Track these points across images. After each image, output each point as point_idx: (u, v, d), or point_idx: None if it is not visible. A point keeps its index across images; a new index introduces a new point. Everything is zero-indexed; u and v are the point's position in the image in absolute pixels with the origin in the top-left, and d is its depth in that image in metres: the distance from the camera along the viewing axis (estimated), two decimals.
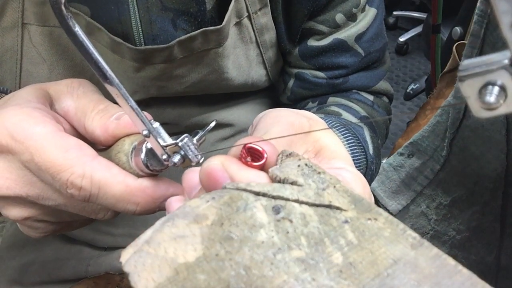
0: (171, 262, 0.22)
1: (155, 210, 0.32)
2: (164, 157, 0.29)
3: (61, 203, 0.31)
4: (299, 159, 0.28)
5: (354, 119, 0.55)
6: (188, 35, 0.49)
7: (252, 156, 0.27)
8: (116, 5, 0.48)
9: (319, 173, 0.27)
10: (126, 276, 0.22)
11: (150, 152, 0.30)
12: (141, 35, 0.50)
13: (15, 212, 0.33)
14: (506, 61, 0.17)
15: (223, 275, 0.22)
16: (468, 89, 0.18)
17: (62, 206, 0.31)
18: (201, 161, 0.29)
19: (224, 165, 0.27)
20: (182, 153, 0.29)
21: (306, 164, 0.27)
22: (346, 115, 0.56)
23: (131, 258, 0.23)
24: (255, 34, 0.55)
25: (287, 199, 0.25)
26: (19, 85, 0.51)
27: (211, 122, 0.33)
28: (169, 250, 0.23)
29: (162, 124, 0.55)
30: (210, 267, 0.22)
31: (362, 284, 0.21)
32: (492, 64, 0.18)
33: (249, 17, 0.53)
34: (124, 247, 0.23)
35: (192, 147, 0.29)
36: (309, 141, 0.32)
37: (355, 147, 0.48)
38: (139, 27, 0.49)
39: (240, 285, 0.21)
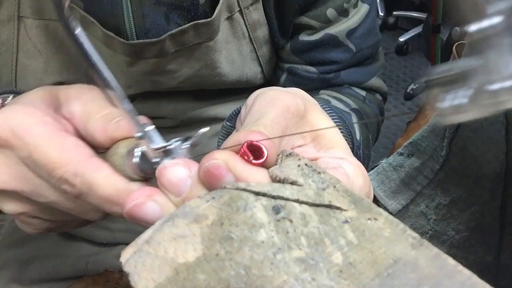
0: (171, 262, 0.22)
1: None
2: (155, 160, 0.29)
3: (54, 200, 0.32)
4: (299, 159, 0.28)
5: (343, 107, 0.56)
6: (179, 28, 0.49)
7: (252, 152, 0.27)
8: None
9: (319, 173, 0.27)
10: (126, 275, 0.22)
11: (144, 155, 0.30)
12: (133, 29, 0.50)
13: (10, 207, 0.34)
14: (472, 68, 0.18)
15: (223, 275, 0.22)
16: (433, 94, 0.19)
17: (54, 203, 0.32)
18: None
19: (229, 165, 0.26)
20: (174, 157, 0.29)
21: (306, 164, 0.27)
22: (335, 103, 0.56)
23: (131, 258, 0.23)
24: (247, 30, 0.55)
25: (287, 199, 0.25)
26: (15, 79, 0.51)
27: (207, 118, 0.33)
28: (169, 250, 0.23)
29: (158, 118, 0.55)
30: (210, 267, 0.22)
31: (362, 284, 0.22)
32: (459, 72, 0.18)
33: (240, 12, 0.54)
34: (122, 243, 0.23)
35: (182, 151, 0.29)
36: (305, 127, 0.31)
37: (341, 129, 0.48)
38: (131, 21, 0.49)
39: (240, 285, 0.21)
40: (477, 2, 0.17)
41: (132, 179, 0.31)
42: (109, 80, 0.29)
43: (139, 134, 0.29)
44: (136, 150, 0.30)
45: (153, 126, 0.29)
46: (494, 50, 0.17)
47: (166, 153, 0.29)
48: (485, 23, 0.17)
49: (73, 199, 0.31)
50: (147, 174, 0.30)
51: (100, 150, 0.33)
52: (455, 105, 0.19)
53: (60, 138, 0.30)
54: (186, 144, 0.29)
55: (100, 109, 0.33)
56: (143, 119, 0.31)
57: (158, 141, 0.29)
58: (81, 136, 0.33)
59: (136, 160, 0.30)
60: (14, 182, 0.32)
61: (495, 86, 0.18)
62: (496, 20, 0.17)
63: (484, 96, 0.18)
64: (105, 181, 0.30)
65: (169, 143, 0.29)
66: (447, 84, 0.19)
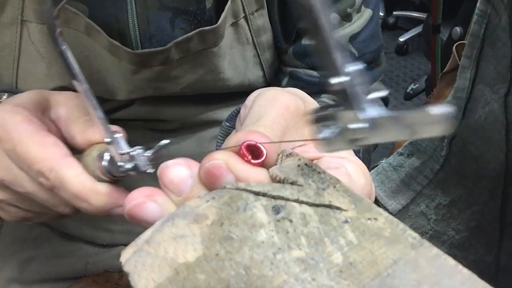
0: (171, 262, 0.22)
1: (107, 213, 0.35)
2: (120, 164, 0.33)
3: (30, 191, 0.35)
4: (299, 159, 0.28)
5: None
6: (185, 36, 0.49)
7: (251, 152, 0.27)
8: (113, 3, 0.48)
9: (319, 173, 0.27)
10: (126, 276, 0.22)
11: (112, 159, 0.33)
12: (138, 35, 0.50)
13: None
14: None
15: (223, 275, 0.22)
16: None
17: (31, 194, 0.35)
18: (149, 171, 0.33)
19: (229, 165, 0.26)
20: (135, 162, 0.33)
21: (306, 164, 0.27)
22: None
23: (131, 258, 0.23)
24: (252, 35, 0.55)
25: (287, 199, 0.25)
26: (16, 82, 0.51)
27: (166, 139, 0.35)
28: (169, 250, 0.23)
29: (158, 121, 0.56)
30: (210, 267, 0.22)
31: (362, 284, 0.21)
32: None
33: (245, 18, 0.54)
34: (122, 244, 0.24)
35: (143, 158, 0.32)
36: (305, 127, 0.32)
37: None
38: (136, 26, 0.49)
39: (240, 285, 0.21)
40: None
41: (101, 180, 0.34)
42: (87, 91, 0.32)
43: (108, 140, 0.32)
44: (106, 154, 0.34)
45: (121, 134, 0.33)
46: (352, 98, 0.22)
47: (130, 158, 0.32)
48: (343, 79, 0.22)
49: (47, 192, 0.35)
50: (114, 176, 0.34)
51: (78, 151, 0.37)
52: (327, 137, 0.24)
53: (41, 137, 0.34)
54: (148, 153, 0.33)
55: (82, 115, 0.37)
56: (114, 127, 0.34)
57: (124, 148, 0.32)
58: (63, 137, 0.37)
59: (104, 163, 0.34)
60: None
61: (354, 126, 0.22)
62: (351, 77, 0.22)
63: (348, 133, 0.23)
64: (75, 178, 0.33)
65: (132, 149, 0.32)
66: (324, 121, 0.24)
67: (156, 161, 0.33)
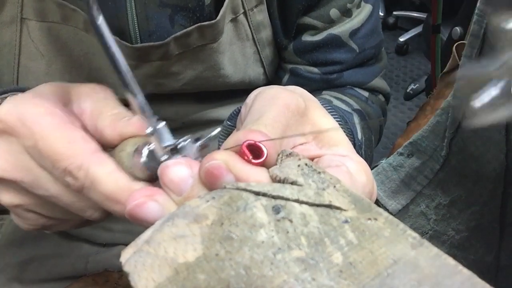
0: (171, 262, 0.22)
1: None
2: (163, 158, 0.29)
3: (54, 193, 0.31)
4: (299, 159, 0.28)
5: (345, 108, 0.55)
6: (184, 31, 0.49)
7: (252, 152, 0.27)
8: (113, 0, 0.48)
9: (319, 173, 0.27)
10: (126, 275, 0.22)
11: (152, 154, 0.29)
12: (137, 31, 0.50)
13: (7, 197, 0.33)
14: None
15: (223, 275, 0.22)
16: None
17: (54, 197, 0.32)
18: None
19: (229, 165, 0.26)
20: (182, 155, 0.29)
21: (306, 164, 0.27)
22: (336, 103, 0.56)
23: (131, 258, 0.23)
24: (251, 31, 0.55)
25: (287, 199, 0.25)
26: (17, 80, 0.51)
27: (216, 128, 0.33)
28: (169, 250, 0.23)
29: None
30: (210, 267, 0.22)
31: (362, 284, 0.21)
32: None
33: (245, 13, 0.54)
34: (122, 243, 0.23)
35: (194, 149, 0.29)
36: (306, 125, 0.31)
37: (342, 128, 0.48)
38: (135, 23, 0.49)
39: (240, 285, 0.21)
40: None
41: (138, 178, 0.30)
42: (126, 72, 0.29)
43: (150, 130, 0.29)
44: (144, 148, 0.29)
45: (164, 123, 0.29)
46: None
47: (175, 151, 0.28)
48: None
49: (74, 194, 0.31)
50: (154, 173, 0.29)
51: (108, 147, 0.33)
52: (489, 103, 0.19)
53: (67, 131, 0.30)
54: (196, 144, 0.29)
55: (111, 108, 0.33)
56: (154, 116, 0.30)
57: (168, 139, 0.29)
58: (89, 133, 0.33)
59: (143, 158, 0.29)
60: (15, 171, 0.31)
61: None
62: None
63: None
64: (108, 177, 0.29)
65: (179, 141, 0.29)
66: (479, 83, 0.19)
67: (205, 153, 0.29)
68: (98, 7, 0.28)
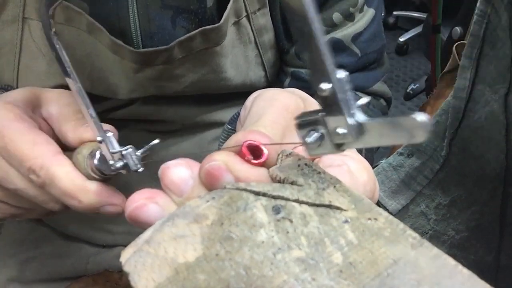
0: (171, 262, 0.22)
1: (96, 211, 0.35)
2: (111, 162, 0.33)
3: (21, 187, 0.36)
4: (299, 159, 0.28)
5: None
6: (188, 35, 0.49)
7: (252, 153, 0.27)
8: (115, 1, 0.48)
9: (319, 173, 0.27)
10: (126, 275, 0.22)
11: (102, 158, 0.34)
12: (139, 33, 0.50)
13: None
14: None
15: (223, 275, 0.22)
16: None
17: (21, 191, 0.36)
18: (139, 170, 0.34)
19: (228, 165, 0.26)
20: (125, 161, 0.33)
21: (306, 164, 0.27)
22: None
23: (131, 257, 0.23)
24: (254, 35, 0.55)
25: (287, 199, 0.25)
26: (17, 79, 0.52)
27: (155, 139, 0.36)
28: (169, 250, 0.23)
29: (158, 122, 0.57)
30: (210, 267, 0.22)
31: (362, 284, 0.21)
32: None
33: (247, 17, 0.54)
34: (123, 245, 0.24)
35: (134, 157, 0.33)
36: None
37: None
38: (137, 25, 0.49)
39: (240, 285, 0.21)
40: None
41: (92, 178, 0.35)
42: (80, 89, 0.33)
43: (100, 138, 0.33)
44: (97, 152, 0.34)
45: (112, 133, 0.33)
46: (341, 103, 0.23)
47: (121, 157, 0.33)
48: (332, 84, 0.23)
49: (37, 188, 0.35)
50: (104, 174, 0.35)
51: (70, 149, 0.37)
52: (315, 141, 0.25)
53: (33, 134, 0.35)
54: (138, 152, 0.33)
55: (74, 113, 0.37)
56: (106, 126, 0.35)
57: (116, 147, 0.33)
58: (55, 135, 0.37)
59: (95, 161, 0.34)
60: None
61: (342, 131, 0.23)
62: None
63: (335, 137, 0.24)
64: (65, 176, 0.34)
65: (123, 148, 0.33)
66: (311, 125, 0.26)
67: (146, 160, 0.34)
68: (56, 34, 0.31)
